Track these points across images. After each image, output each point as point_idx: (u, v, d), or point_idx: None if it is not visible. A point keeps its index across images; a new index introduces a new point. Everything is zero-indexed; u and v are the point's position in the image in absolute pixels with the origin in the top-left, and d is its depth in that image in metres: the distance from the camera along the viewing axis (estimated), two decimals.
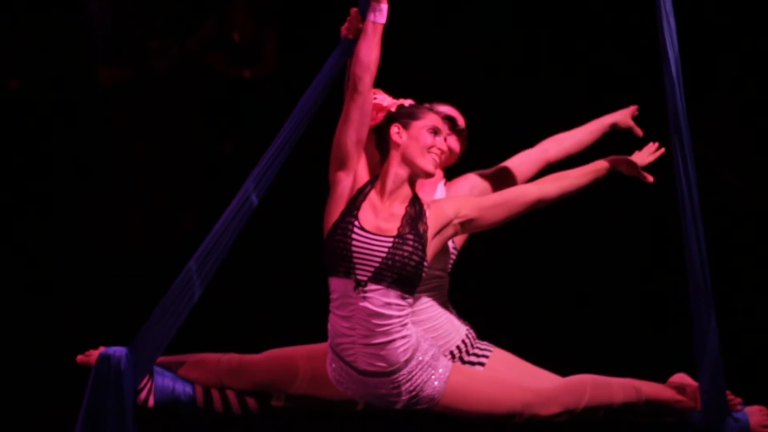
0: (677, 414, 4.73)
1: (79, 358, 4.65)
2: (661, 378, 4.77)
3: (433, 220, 4.55)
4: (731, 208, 8.45)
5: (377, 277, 4.45)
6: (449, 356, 4.73)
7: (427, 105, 4.76)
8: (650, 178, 4.83)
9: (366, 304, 4.45)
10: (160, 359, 4.68)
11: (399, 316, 4.48)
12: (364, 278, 4.46)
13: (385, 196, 4.56)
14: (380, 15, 4.51)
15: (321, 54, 4.64)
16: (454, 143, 4.92)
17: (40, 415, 6.52)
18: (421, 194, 4.63)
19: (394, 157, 4.59)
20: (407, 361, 4.50)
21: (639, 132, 5.10)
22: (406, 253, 4.46)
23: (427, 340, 4.58)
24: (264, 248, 8.25)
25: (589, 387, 4.66)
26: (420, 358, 4.52)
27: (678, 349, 5.41)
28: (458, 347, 4.76)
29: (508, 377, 4.68)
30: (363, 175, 4.60)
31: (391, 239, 4.48)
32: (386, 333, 4.47)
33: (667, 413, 4.73)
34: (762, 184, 8.54)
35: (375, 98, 4.60)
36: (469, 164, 5.03)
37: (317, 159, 5.08)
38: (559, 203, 4.73)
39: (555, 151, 5.08)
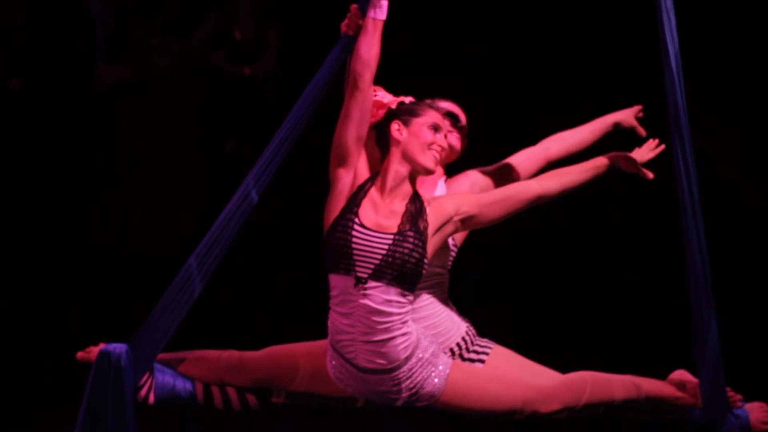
0: (677, 411, 4.73)
1: (80, 354, 4.65)
2: (662, 375, 4.77)
3: (433, 217, 4.55)
4: (731, 206, 8.45)
5: (377, 274, 4.45)
6: (449, 353, 4.73)
7: (428, 101, 4.76)
8: (650, 175, 4.83)
9: (366, 301, 4.45)
10: (161, 356, 4.68)
11: (399, 314, 4.48)
12: (365, 275, 4.46)
13: (385, 193, 4.56)
14: (380, 11, 4.51)
15: (322, 52, 4.64)
16: (455, 140, 4.92)
17: (40, 415, 6.51)
18: (421, 191, 4.63)
19: (395, 154, 4.59)
20: (407, 359, 4.50)
21: (642, 132, 5.10)
22: (406, 250, 4.46)
23: (428, 338, 4.58)
24: (264, 245, 8.26)
25: (590, 384, 4.66)
26: (420, 356, 4.52)
27: (678, 346, 5.41)
28: (458, 344, 4.76)
29: (509, 374, 4.68)
30: (363, 172, 4.60)
31: (392, 236, 4.48)
32: (387, 330, 4.47)
33: (668, 410, 4.73)
34: (762, 181, 8.54)
35: (375, 95, 4.61)
36: (470, 162, 5.03)
37: (317, 156, 5.08)
38: (559, 200, 4.73)
39: (556, 149, 5.07)
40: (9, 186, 8.79)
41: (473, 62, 8.97)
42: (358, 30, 4.52)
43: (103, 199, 9.01)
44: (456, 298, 4.88)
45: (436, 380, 4.55)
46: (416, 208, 4.54)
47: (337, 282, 4.50)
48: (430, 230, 4.53)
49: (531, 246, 8.38)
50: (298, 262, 7.60)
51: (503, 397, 4.59)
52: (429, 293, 4.75)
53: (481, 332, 4.84)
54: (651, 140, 4.91)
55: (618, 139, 5.12)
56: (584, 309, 7.90)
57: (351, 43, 4.53)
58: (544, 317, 7.80)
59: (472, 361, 4.75)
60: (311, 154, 5.57)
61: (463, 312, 4.85)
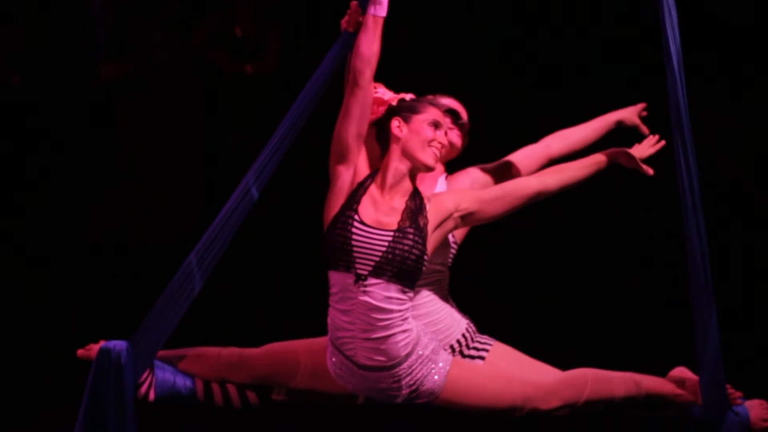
0: (677, 408, 4.72)
1: (80, 352, 4.64)
2: (662, 372, 4.77)
3: (433, 213, 4.55)
4: (732, 204, 8.45)
5: (377, 271, 4.45)
6: (449, 350, 4.73)
7: (429, 97, 4.75)
8: (650, 171, 4.83)
9: (366, 298, 4.45)
10: (161, 353, 4.68)
11: (399, 310, 4.47)
12: (365, 272, 4.46)
13: (385, 190, 4.56)
14: (380, 8, 4.51)
15: (323, 49, 4.64)
16: (455, 137, 4.91)
17: (40, 414, 6.51)
18: (421, 188, 4.63)
19: (395, 151, 4.59)
20: (407, 356, 4.50)
21: (645, 130, 5.09)
22: (406, 247, 4.46)
23: (428, 334, 4.58)
24: (264, 242, 8.25)
25: (590, 381, 4.66)
26: (420, 352, 4.52)
27: (678, 343, 5.40)
28: (458, 341, 4.76)
29: (509, 371, 4.68)
30: (363, 168, 4.60)
31: (392, 233, 4.48)
32: (387, 327, 4.46)
33: (668, 407, 4.72)
34: (763, 177, 8.54)
35: (376, 92, 4.60)
36: (471, 159, 5.02)
37: (317, 152, 5.08)
38: (560, 196, 4.73)
39: (558, 147, 5.07)
40: (9, 185, 8.78)
41: (474, 59, 8.97)
42: (358, 27, 4.52)
43: (103, 198, 9.01)
44: (456, 295, 4.88)
45: (436, 377, 4.55)
46: (416, 205, 4.54)
47: (337, 279, 4.50)
48: (430, 227, 4.53)
49: (531, 243, 8.37)
50: (298, 259, 7.60)
51: (503, 394, 4.59)
52: (429, 290, 4.75)
53: (481, 329, 4.84)
54: (651, 136, 4.91)
55: (618, 136, 5.11)
56: (584, 306, 7.89)
57: (351, 40, 4.52)
58: (544, 314, 7.79)
59: (473, 358, 4.76)
60: (311, 151, 5.57)
61: (463, 309, 4.85)
